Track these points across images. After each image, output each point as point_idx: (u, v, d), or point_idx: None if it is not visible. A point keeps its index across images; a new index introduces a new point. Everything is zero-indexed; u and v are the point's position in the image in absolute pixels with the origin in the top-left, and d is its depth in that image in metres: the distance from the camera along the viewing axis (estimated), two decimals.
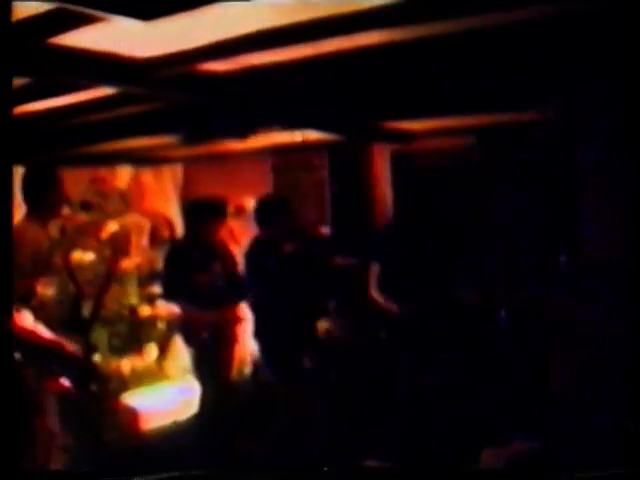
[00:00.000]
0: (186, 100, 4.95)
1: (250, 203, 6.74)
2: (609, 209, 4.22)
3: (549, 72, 4.40)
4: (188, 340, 5.45)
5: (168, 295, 5.55)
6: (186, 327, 5.43)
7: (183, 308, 5.35)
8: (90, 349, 4.51)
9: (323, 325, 6.60)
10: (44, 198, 4.20)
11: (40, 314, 3.96)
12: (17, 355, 3.98)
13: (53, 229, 4.19)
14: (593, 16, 3.33)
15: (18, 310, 3.85)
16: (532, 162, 6.10)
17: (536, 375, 4.72)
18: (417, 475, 4.50)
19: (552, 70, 4.36)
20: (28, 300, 3.91)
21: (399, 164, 7.11)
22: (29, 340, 3.94)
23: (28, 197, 4.21)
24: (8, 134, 2.83)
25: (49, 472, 4.05)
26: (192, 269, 5.19)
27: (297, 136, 6.53)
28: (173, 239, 7.22)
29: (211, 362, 5.27)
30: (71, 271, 4.30)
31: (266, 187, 7.74)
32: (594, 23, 3.43)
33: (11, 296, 3.51)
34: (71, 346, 4.09)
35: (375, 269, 5.36)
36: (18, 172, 4.29)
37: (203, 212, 5.38)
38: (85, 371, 4.26)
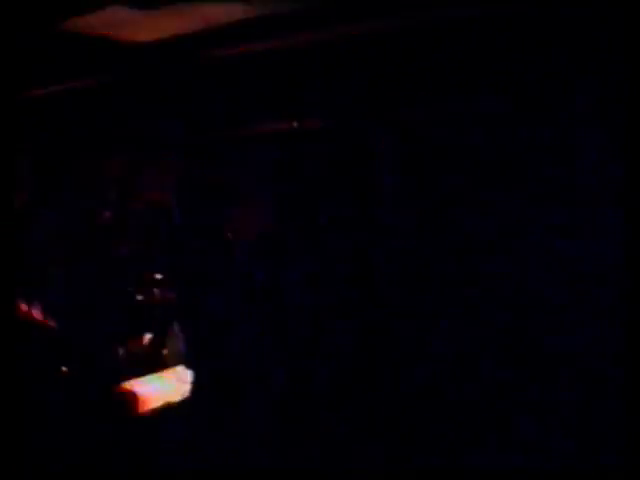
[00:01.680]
0: (185, 87, 4.93)
1: None
2: (609, 211, 4.21)
3: (549, 70, 4.39)
4: (185, 324, 5.46)
5: (168, 279, 5.57)
6: (183, 311, 5.44)
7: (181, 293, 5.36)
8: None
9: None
10: (54, 186, 4.17)
11: (47, 302, 3.97)
12: (25, 346, 3.98)
13: (55, 215, 4.17)
14: (593, 14, 3.32)
15: (27, 300, 3.85)
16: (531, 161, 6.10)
17: (537, 373, 4.73)
18: (417, 473, 4.52)
19: (552, 68, 4.35)
20: (30, 286, 3.91)
21: (402, 152, 7.09)
22: (35, 326, 3.95)
23: (44, 184, 4.18)
24: (10, 124, 2.81)
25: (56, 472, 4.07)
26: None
27: (295, 123, 6.52)
28: (171, 226, 7.21)
29: (207, 348, 5.27)
30: (70, 258, 4.30)
31: (264, 173, 7.73)
32: (594, 21, 3.42)
33: (15, 286, 3.51)
34: (77, 333, 4.10)
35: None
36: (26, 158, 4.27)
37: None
38: (86, 360, 4.28)
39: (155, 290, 6.62)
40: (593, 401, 3.95)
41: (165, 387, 6.20)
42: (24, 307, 3.94)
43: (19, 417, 3.24)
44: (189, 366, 5.41)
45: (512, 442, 4.19)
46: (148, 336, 6.76)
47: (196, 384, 5.32)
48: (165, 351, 6.64)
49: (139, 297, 6.70)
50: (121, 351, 6.41)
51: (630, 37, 3.12)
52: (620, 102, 3.51)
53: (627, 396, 3.23)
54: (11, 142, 2.86)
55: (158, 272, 6.32)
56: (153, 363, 6.59)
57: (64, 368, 4.07)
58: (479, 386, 5.12)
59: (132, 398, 5.96)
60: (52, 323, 4.03)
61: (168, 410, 5.94)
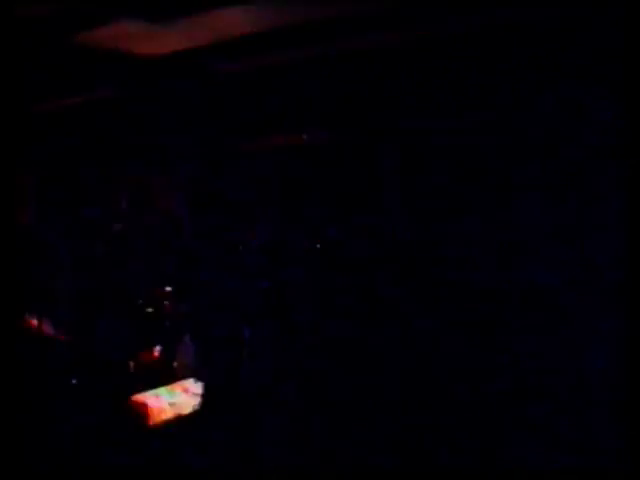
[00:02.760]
0: (192, 100, 4.97)
1: None
2: (608, 204, 4.24)
3: (546, 72, 4.42)
4: (196, 336, 5.47)
5: (179, 292, 5.57)
6: (195, 324, 5.44)
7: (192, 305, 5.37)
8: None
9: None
10: (63, 197, 4.19)
11: (54, 312, 3.99)
12: (32, 354, 4.00)
13: (63, 227, 4.21)
14: (594, 17, 3.36)
15: (35, 308, 3.87)
16: (532, 159, 6.13)
17: (534, 372, 4.74)
18: (416, 473, 4.53)
19: (550, 70, 4.38)
20: (42, 299, 3.93)
21: (406, 163, 7.13)
22: (47, 338, 3.97)
23: (46, 196, 4.20)
24: (14, 134, 2.84)
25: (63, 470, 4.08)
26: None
27: (303, 136, 6.56)
28: (182, 238, 7.24)
29: (218, 359, 5.28)
30: (79, 269, 4.31)
31: (272, 185, 7.78)
32: (595, 24, 3.45)
33: (22, 296, 3.54)
34: (87, 344, 4.12)
35: None
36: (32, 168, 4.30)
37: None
38: (96, 370, 4.29)
39: (165, 302, 6.65)
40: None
41: (176, 399, 6.22)
42: (34, 321, 3.96)
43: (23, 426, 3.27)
44: (200, 378, 5.43)
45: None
46: (158, 348, 6.79)
47: (206, 396, 5.34)
48: (175, 363, 6.65)
49: (149, 309, 6.73)
50: (132, 363, 6.44)
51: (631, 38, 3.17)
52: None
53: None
54: (15, 156, 2.88)
55: (169, 284, 6.35)
56: (164, 375, 6.61)
57: (75, 380, 4.09)
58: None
59: (144, 410, 5.98)
60: (63, 336, 4.05)
61: (180, 421, 5.96)
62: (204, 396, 5.44)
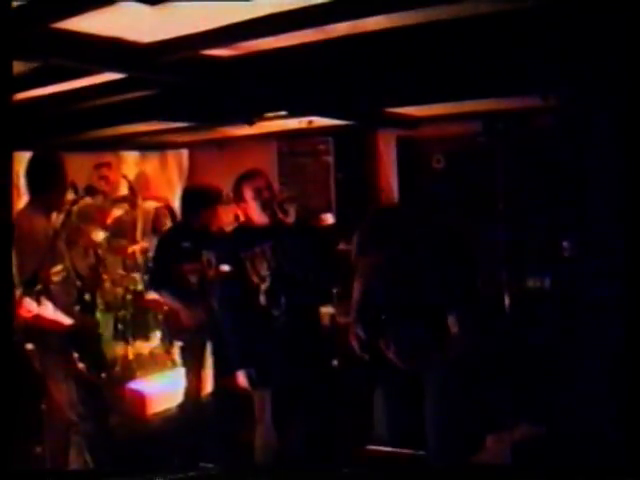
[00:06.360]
0: (191, 85, 4.93)
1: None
2: (613, 195, 4.21)
3: (555, 59, 4.38)
4: (173, 332, 5.39)
5: (155, 286, 5.40)
6: (171, 320, 5.30)
7: (169, 301, 5.22)
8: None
9: (327, 311, 6.61)
10: (49, 187, 4.15)
11: (49, 301, 3.96)
12: (30, 345, 3.98)
13: (58, 214, 4.17)
14: (601, 4, 3.32)
15: (30, 297, 3.85)
16: (537, 148, 6.10)
17: (540, 359, 4.73)
18: (419, 460, 4.51)
19: (558, 58, 4.34)
20: (36, 287, 3.89)
21: (404, 150, 7.11)
22: (48, 327, 3.94)
23: (33, 185, 4.16)
24: (8, 120, 2.79)
25: (63, 472, 4.07)
26: (181, 259, 5.05)
27: (302, 122, 6.52)
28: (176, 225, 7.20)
29: (198, 354, 5.17)
30: (72, 257, 4.27)
31: (271, 173, 7.74)
32: (602, 12, 3.41)
33: (12, 285, 3.51)
34: (89, 331, 4.11)
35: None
36: (22, 159, 4.27)
37: (195, 201, 5.22)
38: (99, 357, 4.27)
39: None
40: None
41: (175, 386, 6.21)
42: (32, 308, 3.93)
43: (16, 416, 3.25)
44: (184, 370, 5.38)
45: None
46: (158, 335, 6.78)
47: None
48: (174, 350, 6.64)
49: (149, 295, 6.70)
50: (131, 350, 6.44)
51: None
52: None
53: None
54: (9, 145, 2.84)
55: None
56: (163, 362, 6.61)
57: (80, 365, 4.06)
58: None
59: (141, 398, 5.98)
60: (64, 321, 4.02)
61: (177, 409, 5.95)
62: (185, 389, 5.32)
